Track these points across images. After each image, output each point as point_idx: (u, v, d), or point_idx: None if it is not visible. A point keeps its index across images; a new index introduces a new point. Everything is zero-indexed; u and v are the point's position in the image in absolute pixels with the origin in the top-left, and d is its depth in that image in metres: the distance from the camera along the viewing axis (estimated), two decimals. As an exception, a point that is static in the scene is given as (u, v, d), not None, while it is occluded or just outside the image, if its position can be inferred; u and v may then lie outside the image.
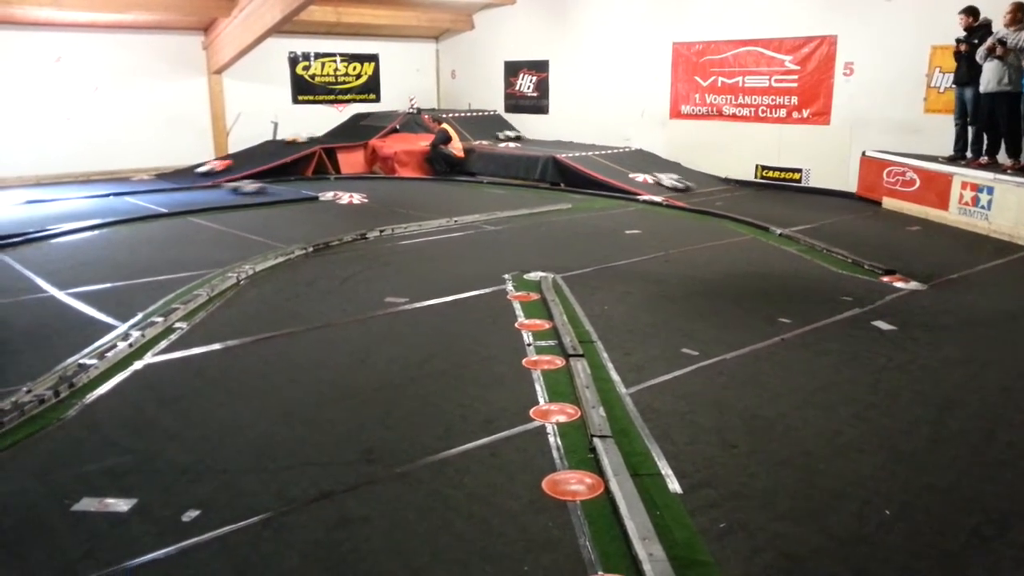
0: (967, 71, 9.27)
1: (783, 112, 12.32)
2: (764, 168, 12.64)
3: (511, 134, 15.50)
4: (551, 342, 5.08)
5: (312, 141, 14.35)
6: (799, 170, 12.23)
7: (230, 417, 4.06)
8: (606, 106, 14.66)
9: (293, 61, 15.87)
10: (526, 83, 16.34)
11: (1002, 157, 9.24)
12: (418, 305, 6.02)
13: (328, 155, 14.00)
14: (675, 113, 13.78)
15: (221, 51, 14.35)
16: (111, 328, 5.39)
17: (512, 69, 16.57)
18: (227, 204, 10.53)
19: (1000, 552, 2.92)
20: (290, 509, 3.17)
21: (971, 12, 9.20)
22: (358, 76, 16.84)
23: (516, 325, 5.47)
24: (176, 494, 3.28)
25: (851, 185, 11.41)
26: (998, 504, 3.23)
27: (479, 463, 3.56)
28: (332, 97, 16.51)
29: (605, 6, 14.47)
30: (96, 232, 8.81)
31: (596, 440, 3.65)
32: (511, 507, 3.18)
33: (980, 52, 8.91)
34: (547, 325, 5.41)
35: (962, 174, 9.25)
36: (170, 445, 3.74)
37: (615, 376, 4.52)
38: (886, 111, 11.11)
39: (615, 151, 13.47)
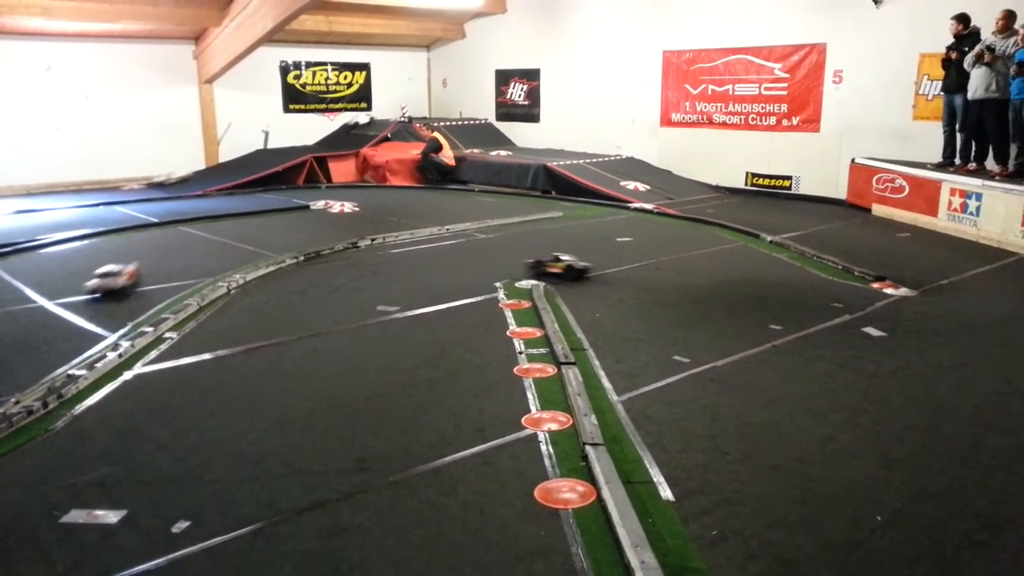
0: (956, 78, 9.34)
1: (773, 120, 12.38)
2: (754, 175, 12.70)
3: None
4: (543, 350, 5.08)
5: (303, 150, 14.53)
6: (789, 177, 12.29)
7: (221, 427, 4.04)
8: (597, 114, 14.71)
9: (284, 70, 15.87)
10: (517, 91, 16.38)
11: (990, 163, 9.31)
12: (410, 313, 6.01)
13: (319, 164, 14.00)
14: (666, 121, 13.83)
15: (212, 60, 14.34)
16: (100, 338, 5.36)
17: (503, 78, 16.61)
18: (218, 213, 10.50)
19: (993, 557, 2.93)
20: (282, 519, 3.15)
21: (962, 19, 9.27)
22: (349, 85, 16.84)
23: (508, 333, 5.47)
24: (166, 505, 3.25)
25: (841, 192, 11.48)
26: (990, 509, 3.24)
27: (471, 471, 3.55)
28: (323, 106, 16.51)
29: (596, 15, 14.53)
30: (86, 242, 8.78)
31: (588, 448, 3.64)
32: (504, 515, 3.18)
33: (968, 59, 8.98)
34: (539, 333, 5.41)
35: (951, 181, 9.32)
36: (160, 456, 3.72)
37: (607, 384, 4.52)
38: (875, 118, 11.18)
39: (606, 159, 13.51)
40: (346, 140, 15.13)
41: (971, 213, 8.92)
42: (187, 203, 11.58)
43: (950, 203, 9.25)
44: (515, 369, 4.77)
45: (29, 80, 12.95)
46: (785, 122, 12.24)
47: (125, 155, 13.84)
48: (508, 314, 5.90)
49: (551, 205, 11.45)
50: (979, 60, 8.82)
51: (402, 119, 15.54)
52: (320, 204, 11.22)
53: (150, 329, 5.45)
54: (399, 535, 3.04)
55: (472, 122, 16.40)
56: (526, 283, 6.73)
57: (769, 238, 8.67)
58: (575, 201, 11.73)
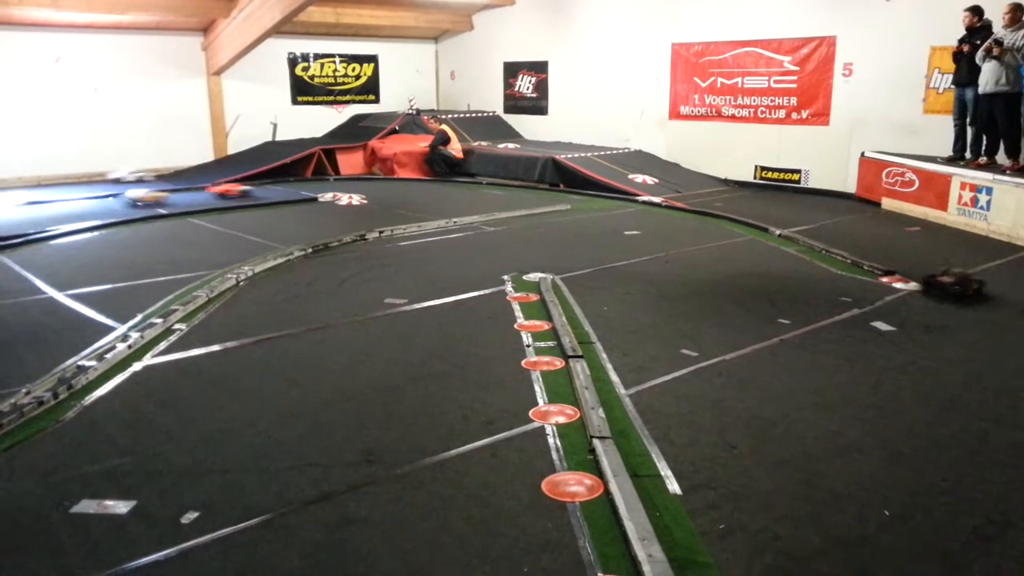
0: (967, 72, 9.27)
1: (782, 113, 12.32)
2: (763, 169, 12.65)
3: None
4: (550, 343, 5.08)
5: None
6: (798, 171, 12.24)
7: (229, 418, 4.06)
8: (605, 107, 14.67)
9: (292, 62, 15.87)
10: (525, 84, 16.34)
11: (1001, 158, 9.25)
12: (417, 306, 6.02)
13: (327, 156, 14.01)
14: (674, 114, 13.79)
15: (220, 52, 14.35)
16: (110, 329, 5.38)
17: (511, 70, 16.57)
18: (226, 205, 10.52)
19: (1000, 552, 2.92)
20: (290, 510, 3.17)
21: (976, 12, 9.20)
22: (357, 77, 16.83)
23: (515, 326, 5.47)
24: (176, 496, 3.27)
25: (850, 186, 11.42)
26: (998, 504, 3.23)
27: (479, 464, 3.56)
28: (331, 98, 16.51)
29: (604, 7, 14.48)
30: (95, 233, 8.81)
31: (595, 441, 3.65)
32: (511, 508, 3.18)
33: (979, 54, 8.91)
34: (546, 326, 5.41)
35: (961, 175, 9.26)
36: (169, 446, 3.74)
37: (614, 377, 4.52)
38: (885, 112, 11.12)
39: (614, 152, 13.48)
40: (354, 132, 15.13)
41: (981, 207, 8.87)
42: (195, 195, 11.60)
43: (960, 197, 9.19)
44: (523, 362, 4.78)
45: (38, 71, 12.98)
46: (794, 115, 12.18)
47: (134, 146, 13.88)
48: (516, 307, 5.90)
49: (559, 198, 11.43)
50: (988, 54, 8.76)
51: (410, 111, 15.52)
52: (328, 196, 11.23)
53: (159, 320, 5.47)
54: (406, 527, 3.05)
55: (480, 114, 16.38)
56: (534, 276, 6.73)
57: (778, 232, 8.64)
58: (583, 194, 11.71)
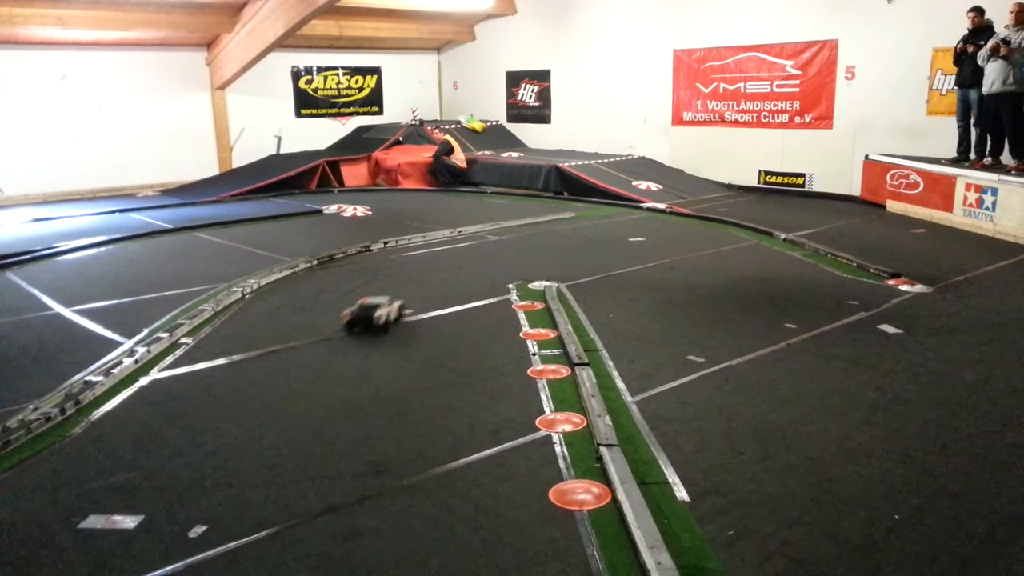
0: (971, 73, 9.25)
1: (785, 117, 12.32)
2: (767, 173, 12.64)
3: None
4: (556, 351, 5.07)
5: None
6: (802, 175, 12.22)
7: (236, 431, 4.06)
8: (608, 114, 14.69)
9: (296, 75, 15.95)
10: (528, 93, 16.38)
11: (1006, 158, 9.23)
12: (423, 316, 6.02)
13: (332, 168, 14.05)
14: (677, 120, 13.80)
15: (224, 67, 14.43)
16: (117, 344, 5.40)
17: (514, 79, 16.62)
18: (232, 218, 10.55)
19: (1013, 555, 2.90)
20: (298, 523, 3.17)
21: (980, 12, 9.19)
22: (361, 89, 16.90)
23: (521, 335, 5.47)
24: (183, 510, 3.27)
25: (855, 189, 11.41)
26: (1010, 507, 3.21)
27: (486, 474, 3.55)
28: (335, 111, 16.57)
29: (606, 15, 14.51)
30: (102, 249, 8.84)
31: (602, 449, 3.64)
32: (518, 517, 3.17)
33: (982, 54, 8.91)
34: (552, 334, 5.41)
35: (966, 176, 9.24)
36: (176, 461, 3.74)
37: (621, 384, 4.51)
38: (888, 114, 11.11)
39: (618, 159, 13.48)
40: (358, 144, 15.18)
41: (987, 208, 8.84)
42: (201, 209, 11.64)
43: (965, 198, 9.17)
44: (529, 371, 4.77)
45: (44, 89, 13.07)
46: (798, 119, 12.18)
47: (140, 162, 13.97)
48: (521, 315, 5.90)
49: (563, 206, 11.44)
50: (994, 53, 8.74)
51: (414, 122, 15.57)
52: (333, 208, 11.26)
53: (166, 335, 5.48)
54: (414, 538, 3.05)
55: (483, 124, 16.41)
56: (539, 284, 6.72)
57: (783, 236, 8.62)
58: (587, 202, 11.71)
